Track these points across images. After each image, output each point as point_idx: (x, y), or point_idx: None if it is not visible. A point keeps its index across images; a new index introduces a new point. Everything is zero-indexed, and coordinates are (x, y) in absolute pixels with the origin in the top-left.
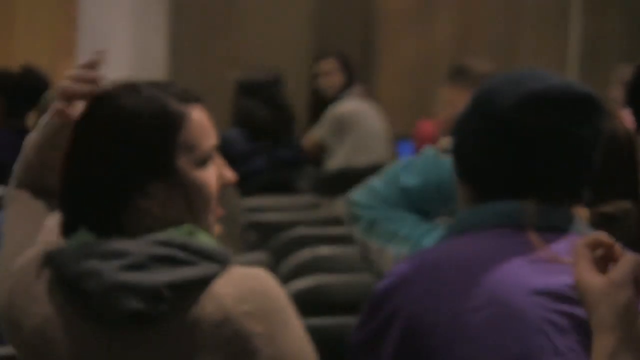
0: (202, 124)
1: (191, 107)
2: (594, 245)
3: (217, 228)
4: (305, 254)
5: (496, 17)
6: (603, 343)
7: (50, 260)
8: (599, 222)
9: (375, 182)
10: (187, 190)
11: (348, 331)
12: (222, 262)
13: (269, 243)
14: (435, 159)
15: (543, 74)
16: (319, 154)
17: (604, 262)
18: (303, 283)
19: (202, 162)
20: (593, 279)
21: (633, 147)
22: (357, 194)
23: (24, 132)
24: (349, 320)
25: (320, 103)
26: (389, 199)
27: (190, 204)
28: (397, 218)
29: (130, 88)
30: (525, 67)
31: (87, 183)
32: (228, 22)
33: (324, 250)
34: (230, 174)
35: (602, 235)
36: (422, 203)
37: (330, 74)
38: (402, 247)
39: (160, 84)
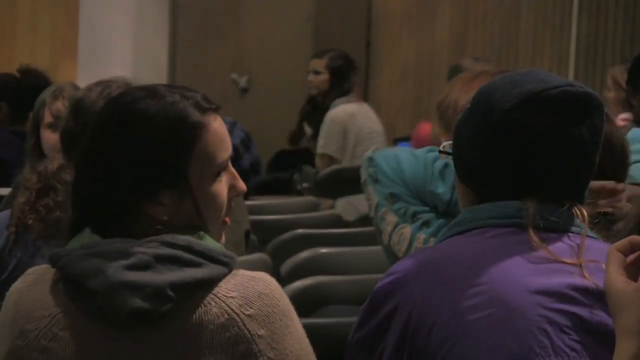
0: (219, 135)
1: (211, 116)
2: (628, 249)
3: (223, 238)
4: (304, 255)
5: (495, 17)
6: (625, 347)
7: (56, 260)
8: (599, 222)
9: (405, 163)
10: (198, 201)
11: (347, 331)
12: (226, 265)
13: (269, 244)
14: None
15: (542, 74)
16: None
17: (636, 267)
18: (303, 283)
19: (216, 174)
20: (620, 284)
21: (626, 150)
22: (383, 158)
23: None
24: (348, 320)
25: (310, 104)
26: (412, 190)
27: (200, 213)
28: (415, 202)
29: (151, 92)
30: (524, 67)
31: (98, 185)
32: (228, 22)
33: (324, 251)
34: (241, 185)
35: (636, 239)
36: (447, 208)
37: (318, 74)
38: (420, 230)
39: (181, 89)
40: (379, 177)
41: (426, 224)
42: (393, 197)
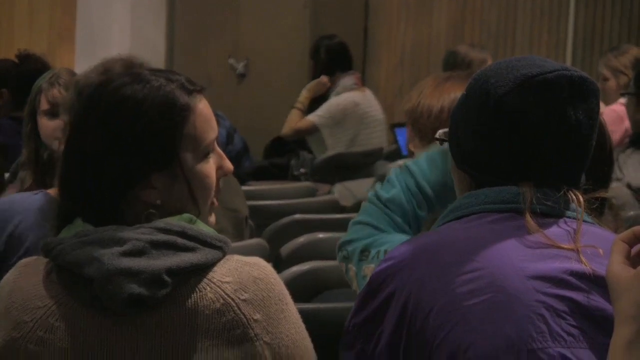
0: (206, 115)
1: (196, 98)
2: (631, 240)
3: (212, 218)
4: (302, 240)
5: (492, 4)
6: (621, 333)
7: (49, 250)
8: (596, 207)
9: (358, 216)
10: (189, 183)
11: (345, 316)
12: (220, 249)
13: (266, 229)
14: (404, 169)
15: (537, 60)
16: (304, 135)
17: None
18: (300, 268)
19: (205, 154)
20: (620, 271)
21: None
22: (344, 236)
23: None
24: (345, 305)
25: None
26: (373, 221)
27: (192, 195)
28: (386, 241)
29: (136, 77)
30: (521, 55)
31: (90, 174)
32: (226, 9)
33: (321, 236)
34: (228, 165)
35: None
36: (405, 206)
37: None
38: None
39: (165, 72)
40: (347, 251)
41: None
42: (364, 252)
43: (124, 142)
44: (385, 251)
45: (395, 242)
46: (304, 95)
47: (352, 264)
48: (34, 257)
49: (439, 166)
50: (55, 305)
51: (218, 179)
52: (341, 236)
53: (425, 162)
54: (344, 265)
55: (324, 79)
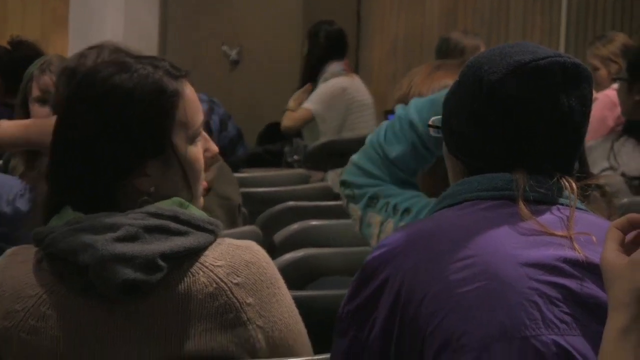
0: (193, 100)
1: (183, 83)
2: (625, 227)
3: (202, 200)
4: (295, 227)
5: None
6: (615, 320)
7: (41, 238)
8: (588, 194)
9: (361, 160)
10: (182, 167)
11: (338, 303)
12: (212, 232)
13: (259, 216)
14: (406, 119)
15: (530, 46)
16: (303, 124)
17: (635, 245)
18: (293, 256)
19: (194, 138)
20: (615, 259)
21: None
22: (348, 174)
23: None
24: (339, 292)
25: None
26: (380, 175)
27: (187, 179)
28: (395, 193)
29: (122, 66)
30: (514, 40)
31: (78, 162)
32: None
33: (314, 223)
34: (213, 147)
35: (634, 217)
36: (412, 164)
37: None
38: (404, 220)
39: (150, 59)
40: (354, 193)
41: (407, 211)
42: (372, 200)
43: (114, 130)
44: (395, 205)
45: (404, 196)
46: (292, 104)
47: (358, 207)
48: (23, 246)
49: (439, 112)
50: (46, 293)
51: (206, 161)
52: (335, 224)
53: (428, 106)
54: (346, 201)
55: (309, 87)
